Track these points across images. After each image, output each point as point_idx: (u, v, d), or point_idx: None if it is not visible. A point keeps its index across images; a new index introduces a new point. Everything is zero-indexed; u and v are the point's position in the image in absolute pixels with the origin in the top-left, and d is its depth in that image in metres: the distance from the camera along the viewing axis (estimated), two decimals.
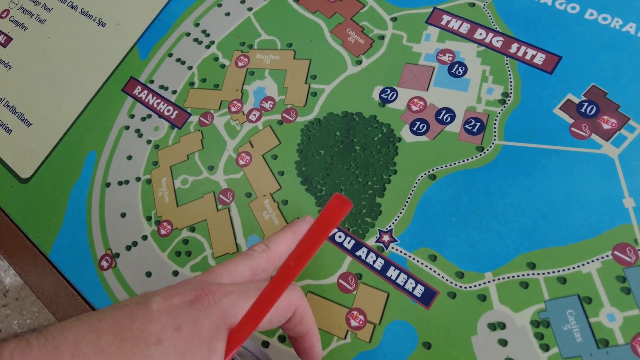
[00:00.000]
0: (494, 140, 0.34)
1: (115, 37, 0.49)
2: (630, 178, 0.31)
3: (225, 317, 0.23)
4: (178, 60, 0.45)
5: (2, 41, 0.54)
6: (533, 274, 0.31)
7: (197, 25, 0.46)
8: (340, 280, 0.34)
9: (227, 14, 0.45)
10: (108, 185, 0.43)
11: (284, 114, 0.40)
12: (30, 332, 0.20)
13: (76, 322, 0.21)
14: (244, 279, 0.27)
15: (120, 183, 0.43)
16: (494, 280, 0.31)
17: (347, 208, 0.18)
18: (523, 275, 0.31)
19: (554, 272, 0.30)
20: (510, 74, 0.36)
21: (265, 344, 0.34)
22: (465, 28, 0.38)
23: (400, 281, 0.32)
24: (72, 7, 0.53)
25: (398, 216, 0.34)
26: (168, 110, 0.44)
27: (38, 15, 0.54)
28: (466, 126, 0.35)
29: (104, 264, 0.40)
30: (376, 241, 0.34)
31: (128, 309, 0.22)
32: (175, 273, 0.38)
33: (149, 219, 0.40)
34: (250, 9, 0.45)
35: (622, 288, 0.29)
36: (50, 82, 0.50)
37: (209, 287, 0.24)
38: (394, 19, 0.40)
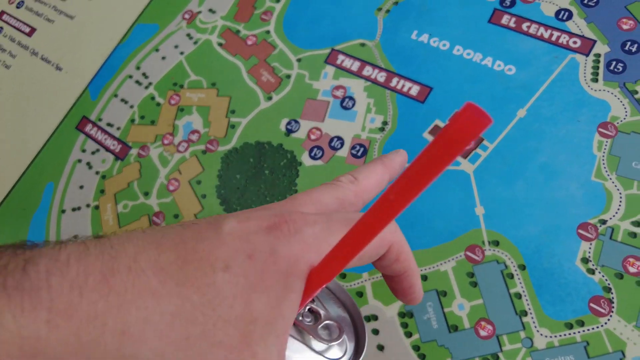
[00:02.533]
0: None
1: (71, 80, 0.56)
2: (482, 190, 0.37)
3: (307, 251, 0.19)
4: (122, 100, 0.52)
5: None
6: None
7: (138, 68, 0.53)
8: None
9: (163, 58, 0.52)
10: (63, 212, 0.49)
11: (207, 145, 0.46)
12: (91, 238, 0.19)
13: (139, 234, 0.19)
14: (329, 211, 0.23)
15: (73, 209, 0.49)
16: (369, 279, 0.37)
17: (487, 123, 0.12)
18: None
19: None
20: (389, 105, 0.42)
21: None
22: (356, 66, 0.44)
23: None
24: (34, 54, 0.60)
25: None
26: (113, 145, 0.50)
27: (4, 61, 0.61)
28: (352, 151, 0.41)
29: None
30: None
31: (197, 227, 0.19)
32: None
33: None
34: (182, 53, 0.51)
35: (470, 282, 0.35)
36: (15, 121, 0.57)
37: (290, 214, 0.20)
38: (299, 60, 0.46)
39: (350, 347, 0.23)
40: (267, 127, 0.45)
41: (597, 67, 0.39)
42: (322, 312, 0.23)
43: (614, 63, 0.39)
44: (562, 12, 0.41)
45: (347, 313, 0.25)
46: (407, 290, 0.25)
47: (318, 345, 0.22)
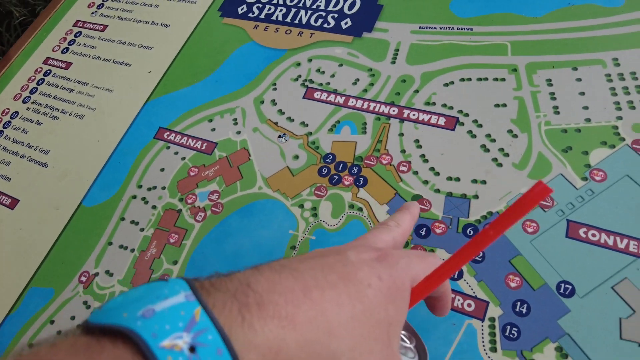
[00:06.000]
0: None
1: None
2: None
3: (406, 275, 0.26)
4: None
5: None
6: None
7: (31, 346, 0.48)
8: None
9: (59, 332, 0.48)
10: None
11: None
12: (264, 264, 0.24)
13: (300, 260, 0.24)
14: (389, 247, 0.30)
15: None
16: None
17: (548, 193, 0.21)
18: None
19: None
20: None
21: None
22: None
23: None
24: None
25: None
26: None
27: None
28: None
29: None
30: None
31: (332, 257, 0.25)
32: None
33: None
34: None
35: None
36: None
37: (385, 250, 0.27)
38: None
39: (417, 355, 0.33)
40: None
41: (494, 334, 0.39)
42: None
43: (508, 328, 0.39)
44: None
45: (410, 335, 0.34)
46: (445, 306, 0.32)
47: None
